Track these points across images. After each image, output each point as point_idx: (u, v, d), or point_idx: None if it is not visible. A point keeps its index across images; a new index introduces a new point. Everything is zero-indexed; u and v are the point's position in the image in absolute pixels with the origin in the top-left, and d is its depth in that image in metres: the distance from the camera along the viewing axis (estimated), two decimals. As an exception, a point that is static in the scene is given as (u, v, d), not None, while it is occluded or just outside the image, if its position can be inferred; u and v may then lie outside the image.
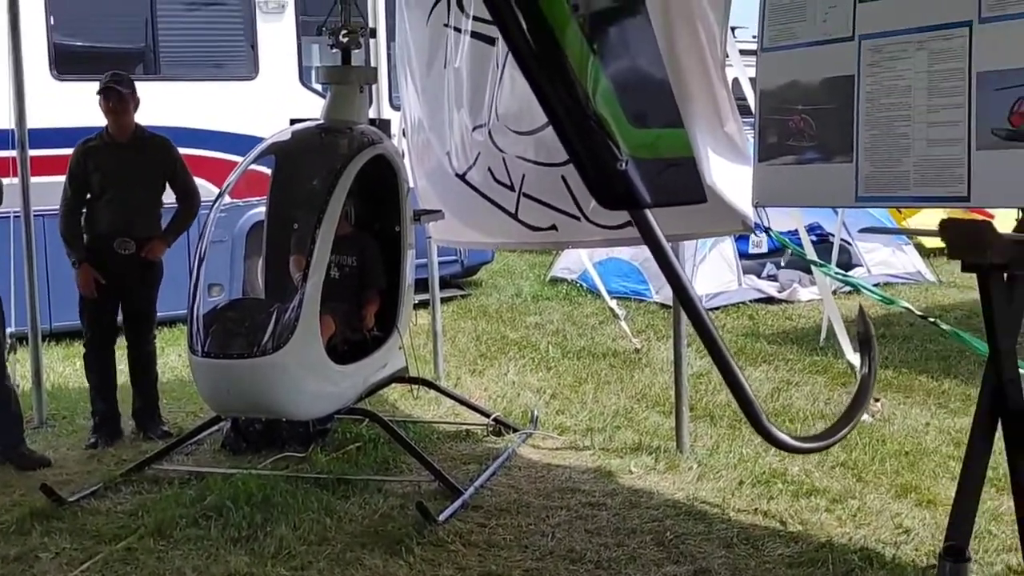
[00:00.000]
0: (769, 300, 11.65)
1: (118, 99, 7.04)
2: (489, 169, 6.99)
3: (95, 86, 9.80)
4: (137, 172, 7.07)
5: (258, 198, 8.30)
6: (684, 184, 2.40)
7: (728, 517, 5.67)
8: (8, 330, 6.98)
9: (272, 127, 7.03)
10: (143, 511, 5.72)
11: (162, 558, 5.16)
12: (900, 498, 5.89)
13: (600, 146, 2.14)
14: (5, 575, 5.01)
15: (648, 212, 2.33)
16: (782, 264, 12.09)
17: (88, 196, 7.10)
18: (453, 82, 7.20)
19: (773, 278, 12.08)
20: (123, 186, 7.04)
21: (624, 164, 2.21)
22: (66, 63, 10.12)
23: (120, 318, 7.32)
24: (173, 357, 9.58)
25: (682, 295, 2.33)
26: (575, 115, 2.10)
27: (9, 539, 5.44)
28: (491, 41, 6.74)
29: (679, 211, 2.66)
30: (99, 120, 9.69)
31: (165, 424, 7.39)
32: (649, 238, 2.34)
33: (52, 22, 9.99)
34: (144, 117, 10.29)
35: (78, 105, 9.74)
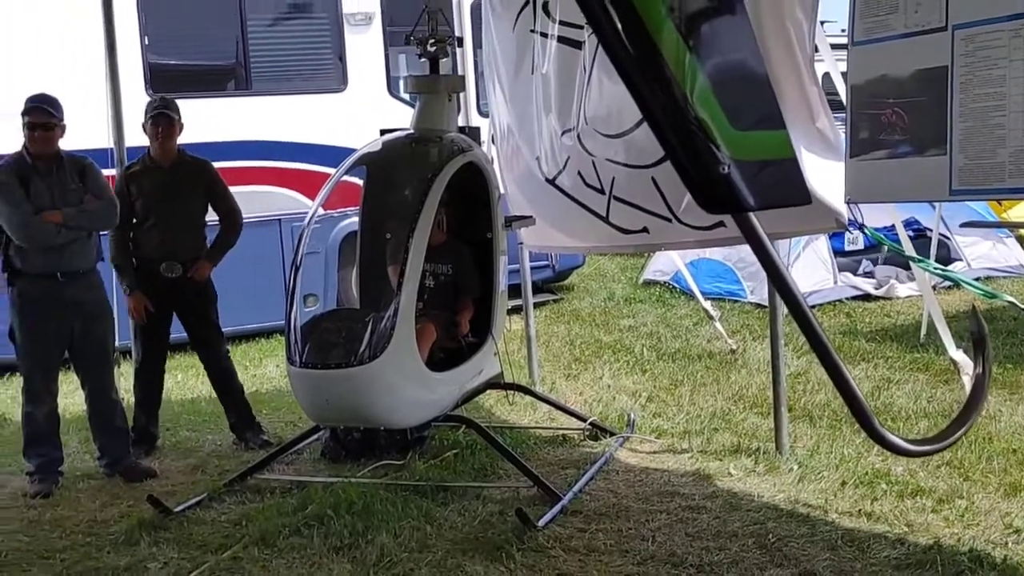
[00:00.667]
0: (866, 297, 11.45)
1: (168, 124, 7.16)
2: (579, 173, 6.98)
3: (191, 103, 10.00)
4: (180, 195, 7.17)
5: (351, 209, 8.37)
6: (788, 186, 2.36)
7: (831, 519, 5.58)
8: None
9: (362, 138, 7.09)
10: (247, 520, 5.81)
11: (267, 567, 5.23)
12: (1009, 497, 5.75)
13: (702, 150, 2.11)
14: (116, 585, 5.12)
15: (751, 215, 2.29)
16: (879, 261, 11.87)
17: (133, 221, 7.22)
18: (541, 87, 7.21)
19: (870, 275, 11.87)
20: (167, 209, 7.13)
21: (727, 168, 2.18)
22: (161, 81, 10.32)
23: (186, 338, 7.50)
24: (271, 368, 9.73)
25: (788, 297, 2.28)
26: (675, 118, 2.07)
27: (119, 549, 5.55)
28: (578, 45, 6.74)
29: (773, 211, 2.63)
30: (194, 136, 9.91)
31: (265, 433, 7.50)
32: (753, 240, 2.30)
33: (146, 42, 10.20)
34: (237, 132, 10.55)
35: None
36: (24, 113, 6.47)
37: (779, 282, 2.29)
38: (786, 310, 7.70)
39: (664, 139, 2.17)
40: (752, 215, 2.28)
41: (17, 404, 6.82)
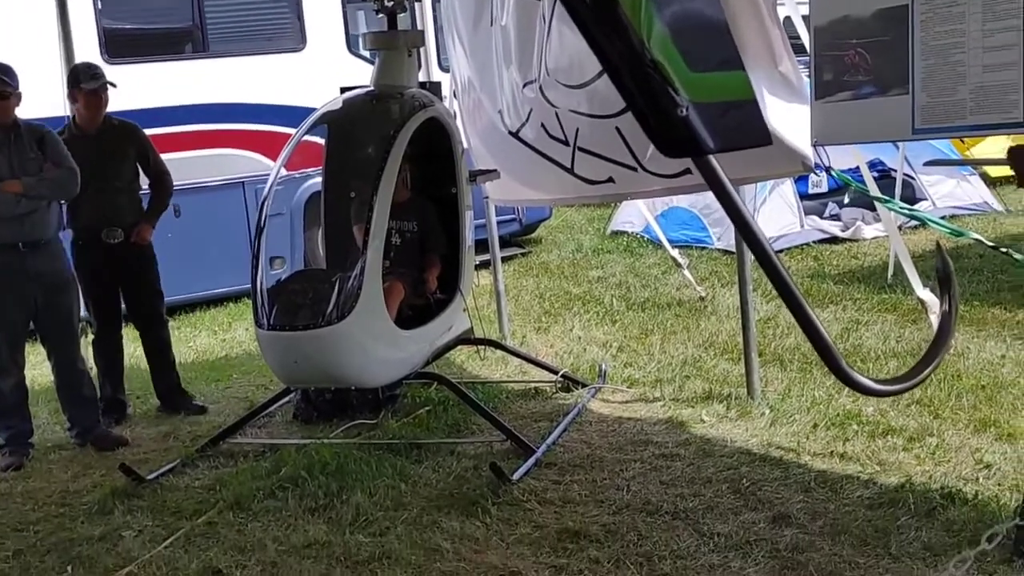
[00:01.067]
0: (833, 240, 11.50)
1: (104, 94, 7.02)
2: (542, 125, 6.93)
3: (146, 68, 9.86)
4: (112, 160, 7.03)
5: (314, 169, 8.30)
6: (748, 127, 2.33)
7: (804, 461, 5.62)
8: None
9: (323, 97, 7.01)
10: (221, 485, 5.79)
11: (242, 530, 5.22)
12: (979, 433, 5.80)
13: (659, 93, 2.08)
14: (91, 555, 5.09)
15: (712, 158, 2.26)
16: (845, 203, 11.89)
17: None
18: (501, 40, 7.14)
19: (836, 217, 11.91)
20: (101, 176, 6.94)
21: (685, 110, 2.15)
22: (116, 46, 10.17)
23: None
24: (240, 331, 9.68)
25: (751, 240, 2.26)
26: (631, 63, 2.04)
27: (93, 519, 5.53)
28: None
29: (738, 155, 2.60)
30: (151, 102, 9.79)
31: (194, 397, 7.51)
32: (714, 184, 2.28)
33: (100, 6, 10.04)
34: (196, 95, 10.43)
35: (130, 88, 9.84)
36: None
37: (742, 226, 2.27)
38: (753, 256, 7.75)
39: (621, 84, 2.14)
40: (715, 160, 2.26)
41: (-16, 378, 6.75)
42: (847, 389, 6.39)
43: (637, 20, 2.06)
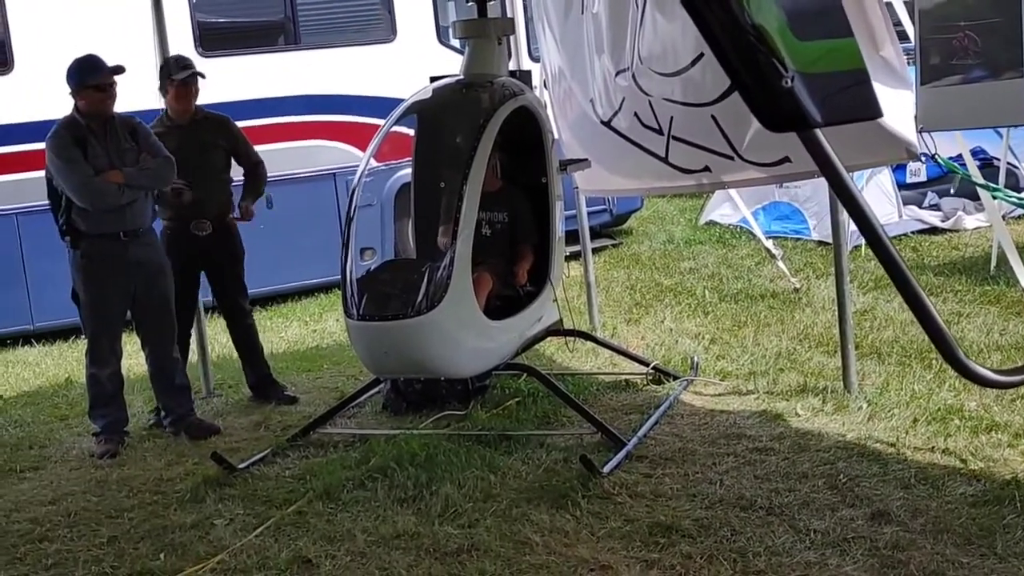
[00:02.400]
0: (933, 231, 11.21)
1: (196, 84, 7.09)
2: (636, 114, 6.84)
3: (239, 61, 9.97)
4: (204, 152, 7.07)
5: (404, 160, 8.30)
6: (858, 99, 2.21)
7: (904, 457, 5.45)
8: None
9: (414, 88, 6.99)
10: (310, 475, 5.80)
11: (331, 520, 5.22)
12: (1089, 429, 5.59)
13: (762, 63, 1.98)
14: (183, 542, 5.13)
15: (818, 132, 2.15)
16: (952, 192, 11.56)
17: None
18: (592, 28, 7.06)
19: (936, 207, 11.59)
20: (192, 168, 6.97)
21: (790, 81, 2.04)
22: (210, 40, 10.30)
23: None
24: (331, 322, 9.73)
25: (862, 221, 2.15)
26: (731, 30, 1.94)
27: (185, 507, 5.58)
28: None
29: (838, 141, 2.49)
30: (244, 94, 9.90)
31: (287, 389, 7.54)
32: (821, 161, 2.16)
33: (194, 0, 10.16)
34: (288, 87, 10.52)
35: (224, 81, 9.96)
36: (78, 77, 6.44)
37: (852, 206, 2.16)
38: (850, 246, 7.54)
39: (722, 55, 2.04)
40: (822, 135, 2.15)
41: (83, 366, 6.87)
42: (948, 383, 6.27)
43: None
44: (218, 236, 7.20)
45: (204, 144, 7.09)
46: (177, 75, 7.03)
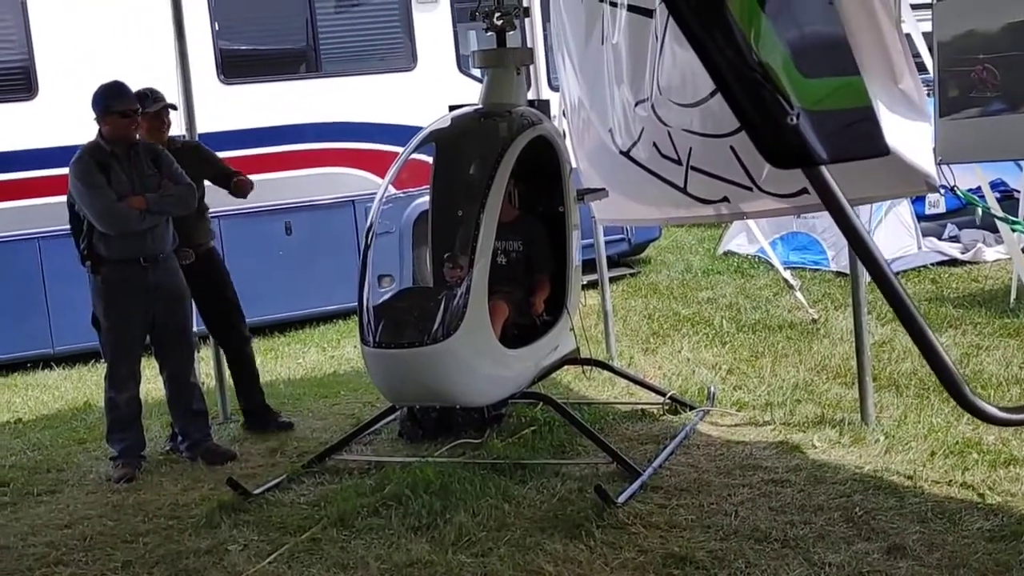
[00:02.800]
0: (952, 262, 11.15)
1: (167, 116, 7.09)
2: (655, 144, 6.86)
3: (261, 88, 10.03)
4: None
5: (423, 188, 8.34)
6: (864, 137, 2.21)
7: (921, 490, 5.42)
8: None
9: (433, 116, 7.03)
10: (325, 502, 5.80)
11: (345, 548, 5.21)
12: (1108, 465, 5.55)
13: (768, 100, 1.99)
14: (198, 568, 5.14)
15: (824, 170, 2.15)
16: (977, 223, 11.49)
17: None
18: (612, 58, 7.08)
19: (955, 239, 11.54)
20: None
21: (795, 118, 2.05)
22: (232, 66, 10.38)
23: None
24: (349, 349, 9.75)
25: (866, 257, 2.15)
26: (737, 67, 1.95)
27: (200, 532, 5.58)
28: (649, 13, 6.59)
29: (856, 173, 2.48)
30: (265, 121, 9.96)
31: (280, 415, 7.53)
32: (826, 197, 2.17)
33: (216, 28, 10.25)
34: (308, 114, 10.59)
35: (245, 108, 10.05)
36: (103, 103, 6.50)
37: (856, 242, 2.16)
38: (868, 277, 7.52)
39: (728, 92, 2.04)
40: (828, 172, 2.15)
41: (101, 390, 6.90)
42: (966, 416, 6.20)
43: (746, 25, 1.97)
44: (201, 263, 7.18)
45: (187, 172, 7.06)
46: (150, 108, 6.96)
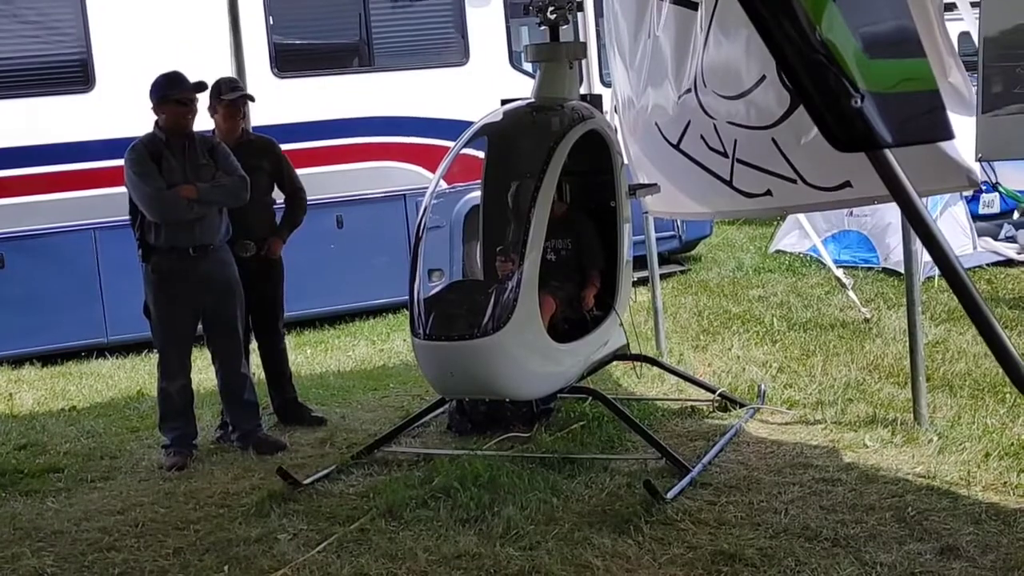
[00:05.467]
0: (1008, 263, 11.00)
1: (244, 104, 7.18)
2: (702, 136, 6.82)
3: (314, 82, 10.07)
4: (248, 174, 6.90)
5: (474, 182, 8.35)
6: (929, 120, 2.17)
7: (974, 492, 5.35)
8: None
9: (485, 111, 7.04)
10: (374, 493, 5.83)
11: (394, 539, 5.23)
12: None
13: (832, 82, 1.96)
14: (247, 556, 5.18)
15: (889, 154, 2.12)
16: (1016, 218, 11.35)
17: None
18: (659, 50, 7.06)
19: (1011, 239, 11.39)
20: None
21: (860, 101, 2.02)
22: (286, 60, 10.45)
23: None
24: (399, 342, 9.79)
25: (932, 244, 2.11)
26: (800, 48, 1.92)
27: (250, 521, 5.63)
28: (693, 6, 6.56)
29: (899, 166, 2.44)
30: (318, 115, 10.01)
31: (313, 410, 7.56)
32: (892, 183, 2.13)
33: (271, 22, 10.33)
34: (361, 109, 10.63)
35: (298, 102, 10.10)
36: (161, 91, 6.58)
37: (922, 230, 2.12)
38: (923, 276, 7.43)
39: (791, 72, 2.01)
40: (892, 156, 2.11)
41: (154, 379, 6.97)
42: (1022, 418, 6.15)
43: (811, 5, 1.94)
44: (261, 257, 7.24)
45: (249, 166, 7.01)
46: (227, 95, 7.12)
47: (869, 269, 11.15)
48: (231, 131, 7.17)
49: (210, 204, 6.62)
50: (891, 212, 9.32)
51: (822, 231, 11.34)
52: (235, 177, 6.70)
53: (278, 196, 7.46)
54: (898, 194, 2.14)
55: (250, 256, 7.15)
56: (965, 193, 10.23)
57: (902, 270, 7.08)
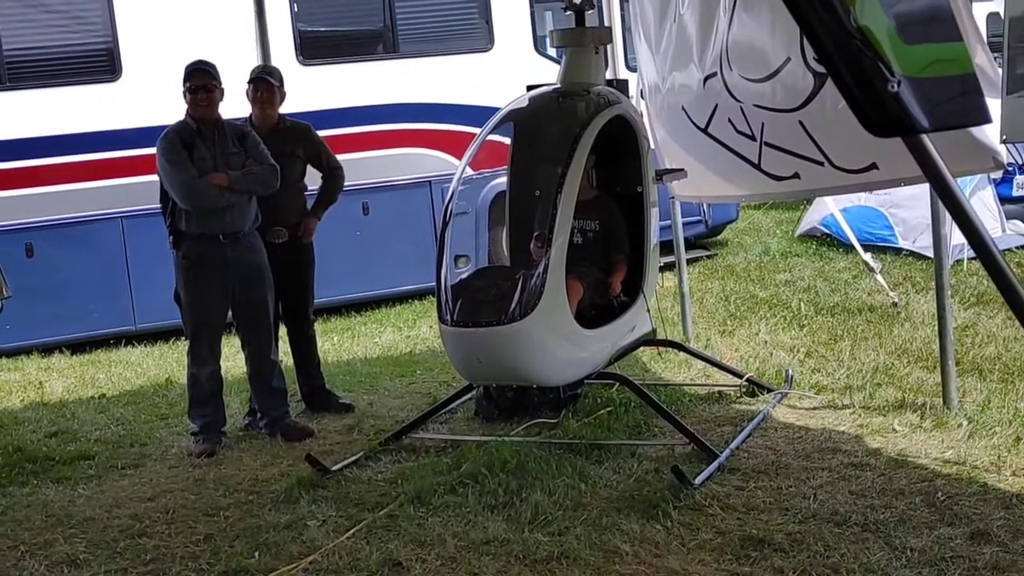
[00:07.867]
0: (1038, 246, 10.92)
1: (268, 90, 7.17)
2: (729, 120, 6.80)
3: (339, 69, 10.07)
4: (282, 161, 6.95)
5: (500, 168, 8.34)
6: (966, 104, 2.15)
7: (1005, 476, 5.32)
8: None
9: (510, 97, 7.03)
10: (402, 479, 5.85)
11: (423, 525, 5.25)
12: None
13: (868, 67, 1.94)
14: (277, 542, 5.21)
15: (925, 139, 2.11)
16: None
17: None
18: (683, 34, 7.04)
19: (1042, 221, 11.30)
20: None
21: (896, 85, 2.00)
22: (311, 48, 10.46)
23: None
24: (425, 328, 9.81)
25: (969, 229, 2.09)
26: (835, 32, 1.91)
27: (279, 507, 5.66)
28: None
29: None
30: (343, 102, 10.01)
31: (341, 397, 7.58)
32: (929, 167, 2.11)
33: (296, 9, 10.34)
34: (386, 95, 10.63)
35: (323, 89, 10.11)
36: (185, 78, 6.61)
37: (959, 214, 2.10)
38: (952, 260, 7.38)
39: (826, 57, 1.99)
40: (928, 140, 2.10)
41: (183, 367, 7.00)
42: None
43: None
44: (293, 244, 7.26)
45: (283, 153, 7.05)
46: (251, 78, 7.19)
47: (898, 253, 11.08)
48: (263, 118, 7.20)
49: (241, 192, 6.64)
50: (910, 192, 9.24)
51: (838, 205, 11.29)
52: (266, 166, 6.72)
53: (310, 182, 7.47)
54: (935, 179, 2.12)
55: (281, 243, 7.18)
56: (995, 176, 10.17)
57: (929, 254, 7.04)
